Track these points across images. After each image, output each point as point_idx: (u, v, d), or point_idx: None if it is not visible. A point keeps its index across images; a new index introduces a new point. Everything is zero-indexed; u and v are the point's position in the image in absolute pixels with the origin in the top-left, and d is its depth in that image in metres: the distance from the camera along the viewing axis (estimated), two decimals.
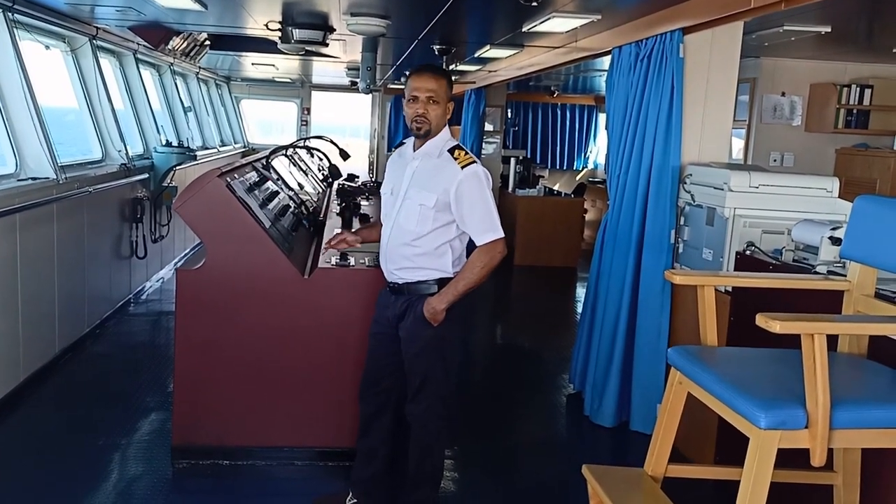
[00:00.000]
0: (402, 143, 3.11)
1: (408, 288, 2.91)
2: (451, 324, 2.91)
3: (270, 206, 4.01)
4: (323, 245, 2.91)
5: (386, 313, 2.99)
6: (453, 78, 9.94)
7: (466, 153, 2.86)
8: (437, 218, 2.83)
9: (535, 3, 4.07)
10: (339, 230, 3.32)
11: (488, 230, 2.82)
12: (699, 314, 2.54)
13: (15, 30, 4.57)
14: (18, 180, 4.49)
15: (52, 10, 5.09)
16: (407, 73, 7.70)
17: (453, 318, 2.91)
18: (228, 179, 3.49)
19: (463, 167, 2.80)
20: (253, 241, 3.37)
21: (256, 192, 3.94)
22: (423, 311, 2.84)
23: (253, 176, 4.14)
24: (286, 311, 3.43)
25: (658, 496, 2.41)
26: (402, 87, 3.02)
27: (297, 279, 3.42)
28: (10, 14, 4.52)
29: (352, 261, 3.52)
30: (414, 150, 2.94)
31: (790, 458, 2.10)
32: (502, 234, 2.84)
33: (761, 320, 1.87)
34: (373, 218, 4.55)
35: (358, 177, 6.81)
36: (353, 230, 3.29)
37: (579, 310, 5.43)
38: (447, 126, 2.94)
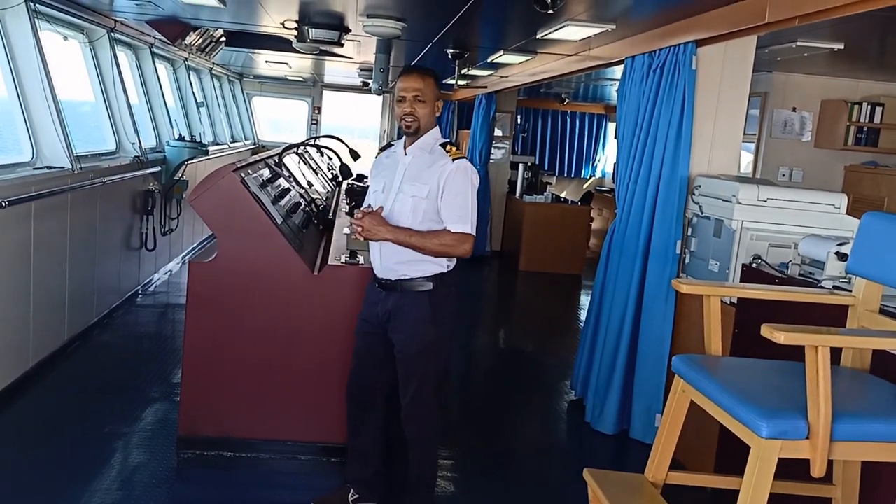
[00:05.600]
0: (389, 145, 3.18)
1: (401, 285, 2.94)
2: (442, 326, 2.97)
3: (282, 202, 4.05)
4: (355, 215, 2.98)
5: (375, 310, 3.02)
6: (464, 83, 9.86)
7: (458, 149, 2.97)
8: (427, 209, 2.89)
9: (550, 11, 4.10)
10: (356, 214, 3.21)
11: (461, 221, 2.87)
12: (704, 324, 2.57)
13: (36, 20, 4.63)
14: (34, 168, 4.54)
15: (72, 2, 5.14)
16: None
17: (444, 320, 2.97)
18: (243, 175, 3.53)
19: (453, 160, 2.90)
20: (265, 236, 3.41)
21: (269, 188, 3.98)
22: (368, 222, 2.84)
23: (265, 172, 4.18)
24: (295, 307, 3.46)
25: (658, 501, 2.43)
26: None
27: (307, 275, 3.46)
28: (31, 4, 4.58)
29: (361, 259, 3.56)
30: (405, 149, 3.00)
31: (790, 470, 2.13)
32: (472, 233, 2.89)
33: (766, 331, 1.90)
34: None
35: (367, 177, 6.84)
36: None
37: (583, 317, 5.46)
38: (437, 126, 3.02)
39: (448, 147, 2.94)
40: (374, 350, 3.05)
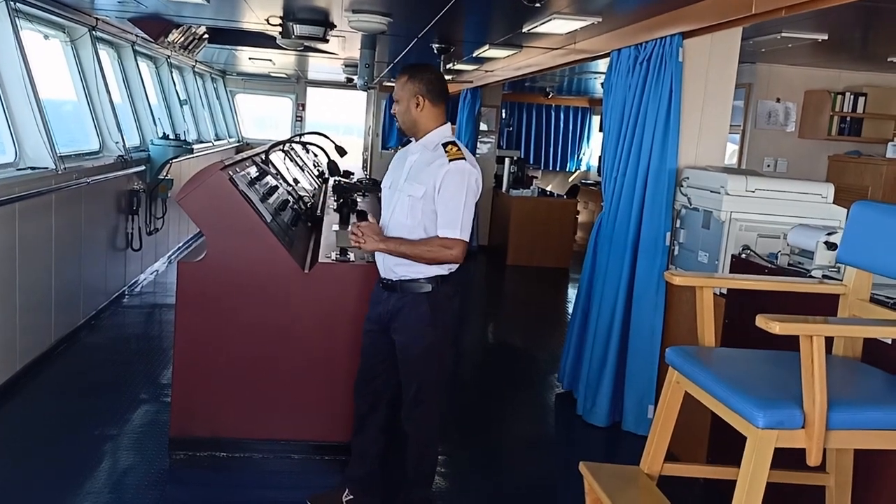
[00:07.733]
0: (409, 141, 3.15)
1: (401, 285, 2.92)
2: (443, 330, 2.96)
3: (270, 200, 4.02)
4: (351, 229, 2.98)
5: (377, 310, 3.00)
6: (449, 77, 9.79)
7: (458, 149, 2.87)
8: (424, 210, 2.85)
9: (537, 5, 4.10)
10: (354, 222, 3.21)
11: (450, 225, 2.81)
12: (697, 315, 2.58)
13: (17, 19, 4.56)
14: (18, 169, 4.49)
15: (53, 0, 5.08)
16: None
17: (446, 324, 2.96)
18: (231, 173, 3.50)
19: (450, 160, 2.82)
20: (254, 234, 3.39)
21: (257, 186, 3.95)
22: (366, 240, 2.84)
23: (253, 170, 4.15)
24: (286, 305, 3.44)
25: (654, 493, 2.44)
26: None
27: (298, 273, 3.44)
28: (11, 3, 4.51)
29: (351, 256, 3.55)
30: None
31: (784, 459, 2.14)
32: (462, 238, 2.83)
33: (761, 321, 1.91)
34: (370, 215, 4.55)
35: (353, 173, 6.81)
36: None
37: (570, 310, 5.46)
38: (447, 123, 2.97)
39: (448, 147, 2.86)
40: (378, 349, 3.03)
